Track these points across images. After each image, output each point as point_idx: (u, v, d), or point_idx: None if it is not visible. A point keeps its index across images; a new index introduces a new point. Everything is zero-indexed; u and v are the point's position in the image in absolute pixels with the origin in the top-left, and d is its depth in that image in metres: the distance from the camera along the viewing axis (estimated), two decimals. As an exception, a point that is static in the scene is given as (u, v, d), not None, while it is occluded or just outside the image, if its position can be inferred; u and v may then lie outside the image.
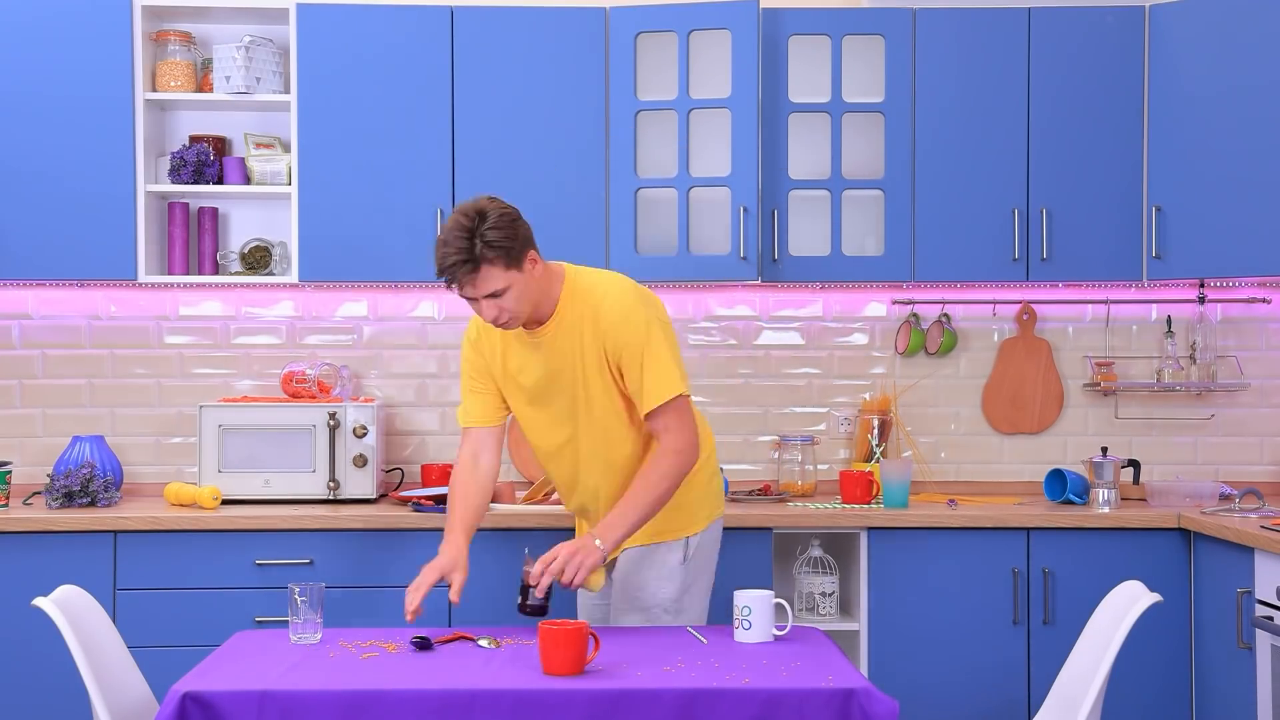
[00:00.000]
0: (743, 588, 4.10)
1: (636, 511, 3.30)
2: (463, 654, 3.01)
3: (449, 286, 3.22)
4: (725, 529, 4.12)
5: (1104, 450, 4.45)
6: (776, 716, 2.72)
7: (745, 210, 4.34)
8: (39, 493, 4.43)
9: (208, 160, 4.48)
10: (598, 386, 3.35)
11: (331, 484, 4.32)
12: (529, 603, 3.23)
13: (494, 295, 3.20)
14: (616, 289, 3.35)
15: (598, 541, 3.24)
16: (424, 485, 4.66)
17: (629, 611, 3.48)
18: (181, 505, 4.24)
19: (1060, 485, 4.35)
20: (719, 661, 2.95)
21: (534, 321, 3.34)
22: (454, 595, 3.31)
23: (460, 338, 4.73)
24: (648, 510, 3.31)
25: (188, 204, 4.59)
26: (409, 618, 3.22)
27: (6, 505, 4.21)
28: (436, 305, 4.73)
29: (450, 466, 4.35)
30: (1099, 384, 4.69)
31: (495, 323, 3.26)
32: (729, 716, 2.71)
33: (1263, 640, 3.69)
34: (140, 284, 4.42)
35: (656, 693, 2.72)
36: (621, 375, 3.33)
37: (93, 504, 4.20)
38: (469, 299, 3.24)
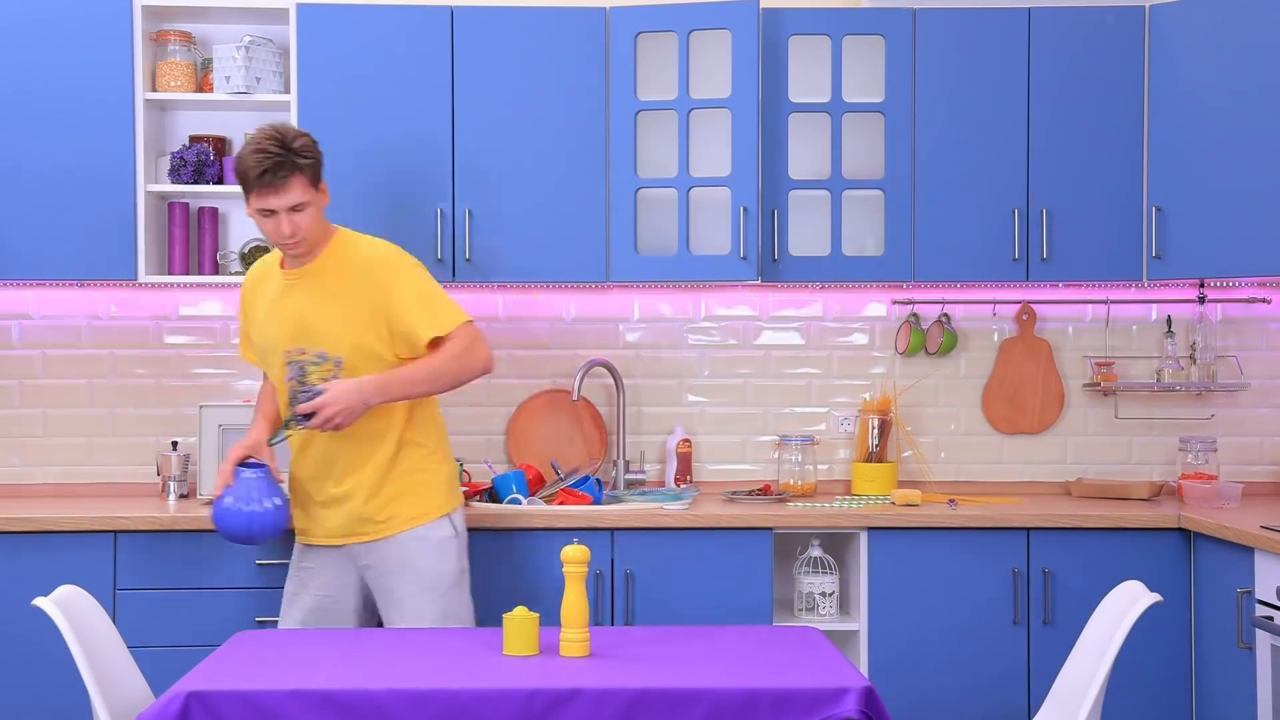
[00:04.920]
0: (743, 588, 4.12)
1: (416, 379, 3.53)
2: (469, 656, 3.01)
3: (251, 194, 3.46)
4: (725, 528, 4.14)
5: None
6: (775, 716, 2.72)
7: (745, 210, 4.34)
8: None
9: (208, 160, 4.48)
10: (354, 336, 3.55)
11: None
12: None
13: (295, 209, 3.48)
14: (381, 243, 3.65)
15: (363, 385, 3.49)
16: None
17: (417, 594, 3.62)
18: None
19: None
20: (715, 660, 2.95)
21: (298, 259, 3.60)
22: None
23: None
24: (425, 383, 3.54)
25: (188, 204, 4.59)
26: (217, 491, 3.58)
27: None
28: (436, 305, 4.73)
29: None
30: (1099, 384, 4.69)
31: (288, 242, 3.51)
32: (726, 715, 2.71)
33: (1263, 640, 3.69)
34: (140, 284, 4.42)
35: (646, 691, 2.72)
36: (389, 316, 3.55)
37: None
38: (266, 213, 3.47)
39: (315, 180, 3.53)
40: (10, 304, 4.67)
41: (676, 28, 4.38)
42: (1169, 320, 4.75)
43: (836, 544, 4.42)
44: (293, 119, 4.36)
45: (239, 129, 4.62)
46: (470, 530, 3.93)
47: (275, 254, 3.74)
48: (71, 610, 3.09)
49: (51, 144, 4.30)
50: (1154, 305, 4.77)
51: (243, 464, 3.63)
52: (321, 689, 2.71)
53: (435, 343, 3.58)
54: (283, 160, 3.43)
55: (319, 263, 3.62)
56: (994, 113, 4.42)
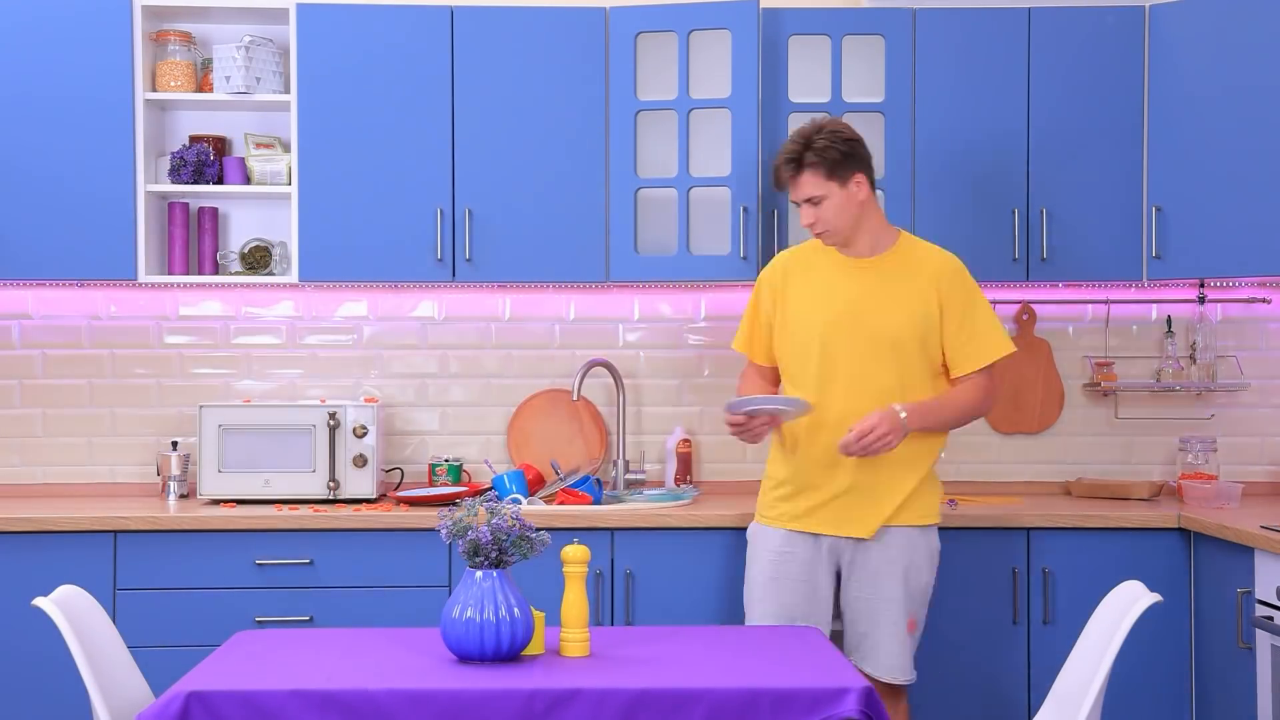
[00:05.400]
0: (743, 588, 4.12)
1: (947, 413, 3.68)
2: (471, 657, 3.01)
3: (778, 187, 3.75)
4: (725, 529, 4.14)
5: None
6: (775, 716, 2.72)
7: (745, 210, 4.34)
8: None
9: (208, 160, 4.48)
10: (906, 329, 3.66)
11: (331, 484, 4.32)
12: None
13: (811, 201, 3.66)
14: (941, 250, 3.75)
15: (903, 415, 3.57)
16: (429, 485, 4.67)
17: (901, 596, 3.71)
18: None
19: None
20: (715, 660, 2.95)
21: (856, 250, 3.73)
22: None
23: (459, 338, 4.74)
24: (953, 418, 3.69)
25: (188, 204, 4.59)
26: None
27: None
28: (436, 305, 4.73)
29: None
30: (1099, 384, 4.69)
31: (812, 230, 3.70)
32: (726, 715, 2.71)
33: (1263, 640, 3.69)
34: (140, 284, 4.42)
35: (646, 691, 2.72)
36: (941, 322, 3.68)
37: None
38: (796, 204, 3.71)
39: (831, 174, 3.64)
40: (10, 304, 4.67)
41: (676, 28, 4.38)
42: (1169, 320, 4.75)
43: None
44: (293, 119, 4.36)
45: (239, 129, 4.62)
46: (470, 530, 3.93)
47: (806, 244, 3.86)
48: (71, 610, 3.09)
49: (51, 144, 4.30)
50: (1154, 305, 4.77)
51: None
52: (321, 689, 2.71)
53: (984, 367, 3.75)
54: (793, 158, 3.66)
55: (883, 259, 3.73)
56: (994, 113, 4.42)
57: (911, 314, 3.67)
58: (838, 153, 3.64)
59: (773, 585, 3.72)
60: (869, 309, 3.68)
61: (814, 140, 3.64)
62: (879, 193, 4.41)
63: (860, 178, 3.68)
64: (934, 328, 3.68)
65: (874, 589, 3.69)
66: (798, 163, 3.65)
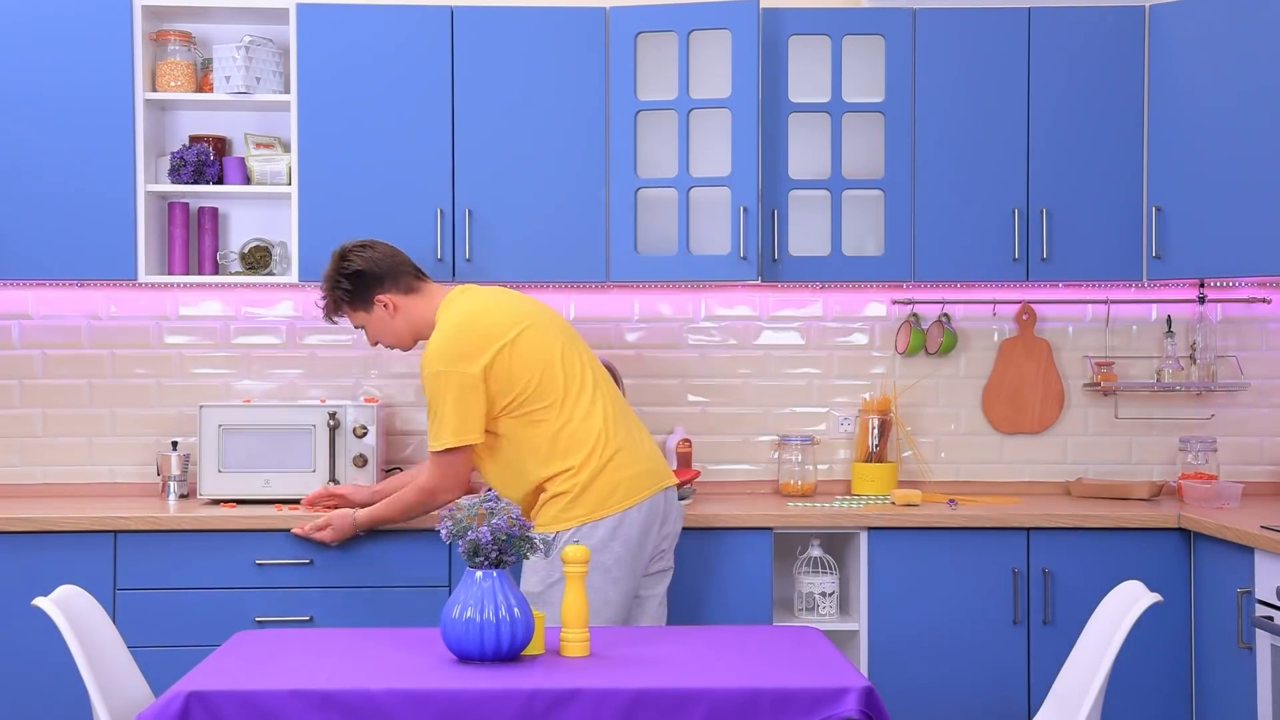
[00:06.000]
0: (743, 588, 4.12)
1: (388, 514, 3.95)
2: (471, 657, 3.01)
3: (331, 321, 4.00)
4: (725, 529, 4.14)
5: None
6: (775, 716, 2.72)
7: (745, 210, 4.34)
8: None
9: (208, 160, 4.48)
10: None
11: (332, 484, 4.32)
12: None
13: (360, 327, 3.95)
14: (436, 335, 3.74)
15: (356, 517, 3.99)
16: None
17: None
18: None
19: None
20: (715, 660, 2.95)
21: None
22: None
23: (460, 338, 4.75)
24: (395, 517, 3.95)
25: (188, 204, 4.59)
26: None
27: None
28: (436, 305, 4.73)
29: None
30: (1099, 384, 4.69)
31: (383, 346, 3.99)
32: (726, 715, 2.71)
33: (1263, 640, 3.69)
34: (140, 284, 4.42)
35: (646, 691, 2.72)
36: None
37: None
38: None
39: (359, 305, 3.88)
40: (10, 304, 4.67)
41: (676, 28, 4.38)
42: (1169, 320, 4.75)
43: (836, 544, 4.42)
44: (293, 119, 4.36)
45: (239, 129, 4.62)
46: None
47: None
48: (71, 610, 3.09)
49: (51, 144, 4.30)
50: (1154, 305, 4.77)
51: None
52: (321, 689, 2.71)
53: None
54: (326, 303, 3.92)
55: None
56: (994, 113, 4.42)
57: None
58: (348, 286, 3.85)
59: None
60: None
61: (326, 282, 3.90)
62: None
63: (383, 298, 3.86)
64: None
65: None
66: (329, 308, 3.92)
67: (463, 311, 3.77)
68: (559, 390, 3.71)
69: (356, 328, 3.96)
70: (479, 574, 2.90)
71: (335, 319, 3.96)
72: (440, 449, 3.73)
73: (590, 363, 3.83)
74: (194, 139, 4.56)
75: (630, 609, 3.76)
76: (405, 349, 3.97)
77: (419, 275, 3.91)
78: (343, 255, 3.88)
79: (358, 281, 3.85)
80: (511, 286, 4.54)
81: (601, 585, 3.63)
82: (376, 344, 3.96)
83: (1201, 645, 4.09)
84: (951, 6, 4.44)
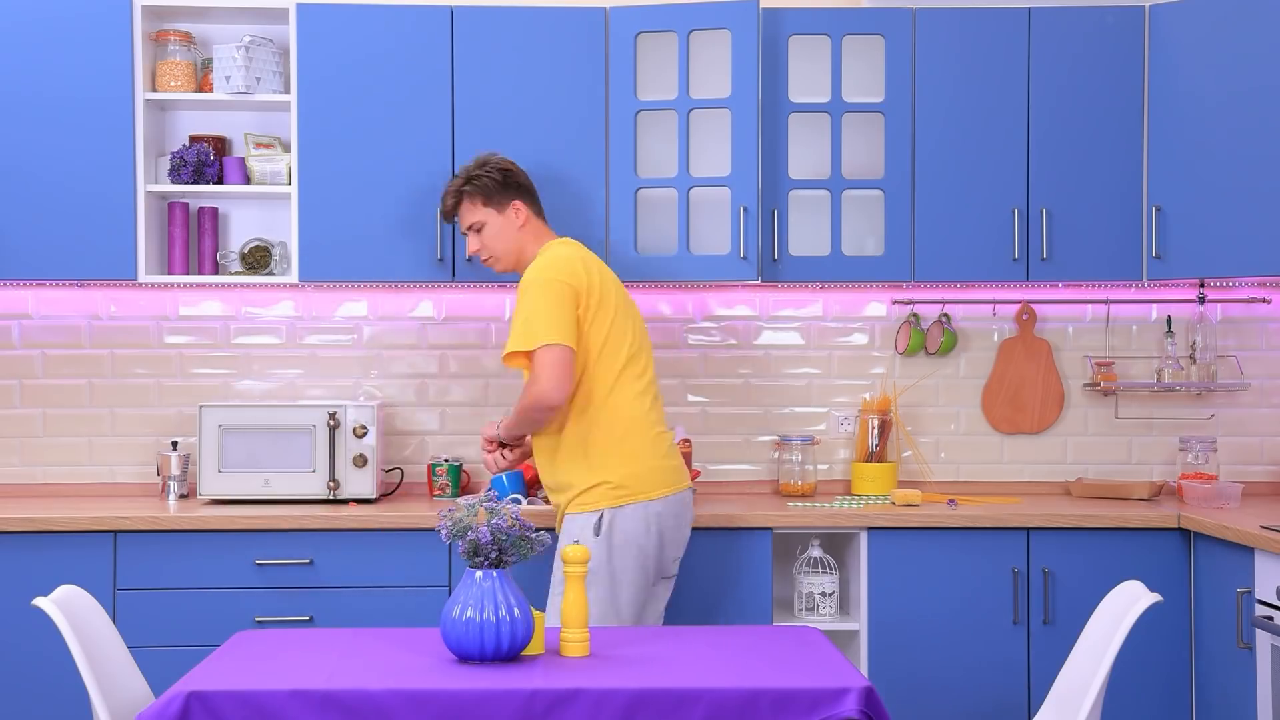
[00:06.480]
0: (743, 588, 4.12)
1: (515, 422, 3.84)
2: (471, 660, 3.01)
3: (446, 219, 4.06)
4: (726, 529, 4.13)
5: None
6: (775, 716, 2.72)
7: (745, 210, 4.34)
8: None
9: (208, 160, 4.48)
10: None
11: (331, 484, 4.32)
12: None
13: (473, 229, 3.97)
14: (542, 260, 3.80)
15: (500, 427, 3.92)
16: (429, 488, 4.68)
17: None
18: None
19: None
20: (715, 660, 2.95)
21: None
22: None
23: (459, 338, 4.74)
24: (517, 418, 3.80)
25: (188, 204, 4.59)
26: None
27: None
28: (436, 305, 4.73)
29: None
30: (1099, 384, 4.69)
31: (479, 257, 4.01)
32: (726, 715, 2.71)
33: (1263, 640, 3.69)
34: (140, 284, 4.42)
35: (646, 691, 2.72)
36: None
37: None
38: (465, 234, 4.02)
39: (491, 201, 3.93)
40: (10, 304, 4.67)
41: (676, 28, 4.38)
42: (1169, 320, 4.75)
43: (836, 544, 4.42)
44: (293, 119, 4.36)
45: (239, 129, 4.62)
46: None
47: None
48: (71, 610, 3.09)
49: (51, 144, 4.30)
50: (1154, 305, 4.77)
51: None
52: (321, 689, 2.71)
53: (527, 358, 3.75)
54: (452, 191, 3.98)
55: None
56: (994, 113, 4.42)
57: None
58: (493, 180, 3.91)
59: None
60: None
61: (471, 170, 3.96)
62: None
63: (517, 204, 3.93)
64: None
65: None
66: (454, 195, 3.98)
67: (573, 251, 3.84)
68: (620, 362, 3.78)
69: (469, 228, 3.96)
70: (479, 574, 2.90)
71: (454, 217, 4.01)
72: (535, 346, 3.67)
73: (649, 355, 3.89)
74: (194, 139, 4.56)
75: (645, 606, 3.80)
76: (503, 268, 3.98)
77: (542, 212, 4.02)
78: (485, 158, 3.95)
79: (507, 177, 3.92)
80: (511, 286, 4.55)
81: (636, 568, 3.72)
82: (475, 255, 3.99)
83: (1201, 645, 4.09)
84: (951, 6, 4.44)
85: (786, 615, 4.32)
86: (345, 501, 4.34)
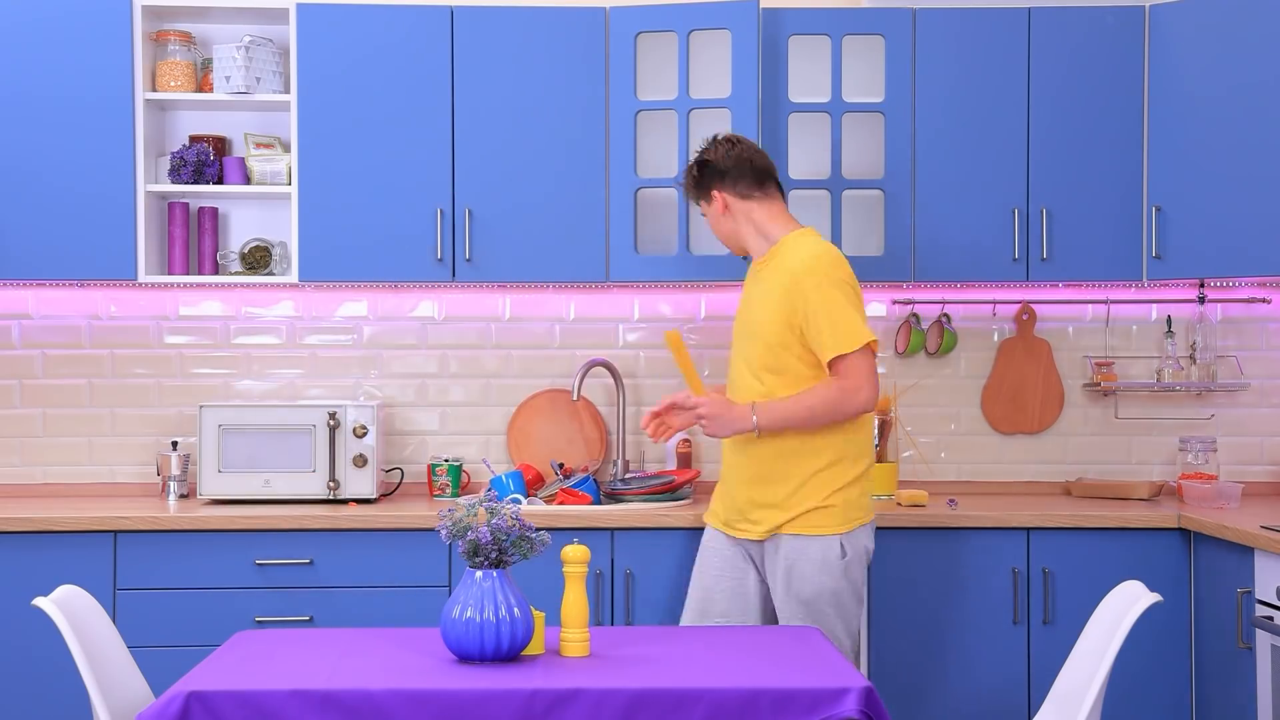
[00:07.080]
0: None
1: (794, 410, 3.61)
2: (471, 660, 3.01)
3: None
4: (725, 529, 4.13)
5: None
6: (775, 716, 2.72)
7: (745, 210, 4.33)
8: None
9: (208, 160, 4.48)
10: (769, 328, 3.68)
11: (331, 484, 4.32)
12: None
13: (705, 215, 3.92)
14: (825, 252, 3.67)
15: (755, 417, 3.62)
16: (429, 488, 4.68)
17: (785, 602, 3.68)
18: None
19: None
20: (715, 660, 2.95)
21: (756, 254, 3.85)
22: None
23: (459, 338, 4.74)
24: (802, 416, 3.61)
25: (188, 204, 4.59)
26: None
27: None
28: (436, 305, 4.74)
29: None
30: (1099, 384, 4.69)
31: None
32: (726, 715, 2.71)
33: (1263, 640, 3.69)
34: (140, 284, 4.42)
35: (646, 691, 2.72)
36: (803, 320, 3.64)
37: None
38: None
39: (700, 195, 3.85)
40: (10, 304, 4.67)
41: (676, 28, 4.38)
42: (1169, 320, 4.75)
43: (836, 544, 4.42)
44: (292, 119, 4.36)
45: (239, 129, 4.63)
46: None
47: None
48: (71, 610, 3.09)
49: (51, 144, 4.30)
50: (1154, 305, 4.77)
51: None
52: (321, 689, 2.71)
53: (835, 361, 3.63)
54: (686, 187, 3.92)
55: (768, 260, 3.77)
56: (994, 113, 4.42)
57: (772, 314, 3.67)
58: (695, 175, 3.84)
59: (696, 573, 3.85)
60: (749, 310, 3.78)
61: (691, 169, 3.88)
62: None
63: (718, 194, 3.80)
64: (794, 325, 3.65)
65: (773, 593, 3.73)
66: (689, 192, 3.91)
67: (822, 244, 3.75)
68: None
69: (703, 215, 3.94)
70: (479, 574, 2.90)
71: (691, 202, 4.03)
72: (858, 346, 3.58)
73: None
74: (194, 139, 4.56)
75: None
76: (732, 249, 3.92)
77: (761, 185, 3.79)
78: (707, 145, 3.87)
79: (703, 171, 3.84)
80: (511, 286, 4.56)
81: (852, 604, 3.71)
82: (716, 235, 3.94)
83: (1201, 645, 4.09)
84: (951, 6, 4.44)
85: (786, 615, 4.32)
86: (345, 501, 4.35)
